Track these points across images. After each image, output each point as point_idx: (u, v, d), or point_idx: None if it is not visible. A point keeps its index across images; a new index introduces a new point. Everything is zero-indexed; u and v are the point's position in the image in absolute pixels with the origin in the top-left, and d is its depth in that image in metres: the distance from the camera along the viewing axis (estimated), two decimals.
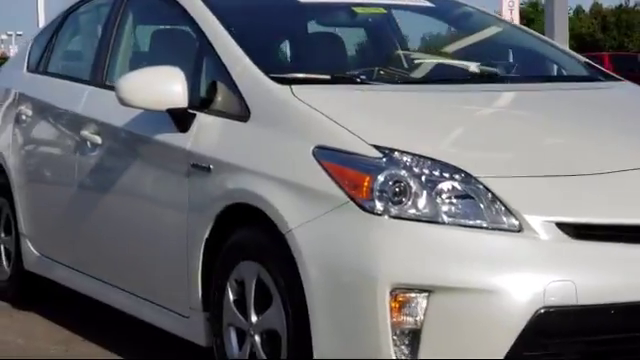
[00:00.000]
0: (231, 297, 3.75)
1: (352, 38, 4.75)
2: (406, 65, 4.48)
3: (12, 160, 5.70)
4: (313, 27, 4.76)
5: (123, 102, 4.09)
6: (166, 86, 3.99)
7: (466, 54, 4.58)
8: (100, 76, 4.97)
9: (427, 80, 4.22)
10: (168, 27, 4.99)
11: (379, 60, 4.64)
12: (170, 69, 4.05)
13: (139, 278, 4.40)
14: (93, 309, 5.13)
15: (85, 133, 4.81)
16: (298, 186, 3.43)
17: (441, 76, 4.27)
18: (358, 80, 3.96)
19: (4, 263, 5.98)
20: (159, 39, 4.91)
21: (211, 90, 4.04)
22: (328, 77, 3.94)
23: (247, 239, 3.66)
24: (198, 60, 4.19)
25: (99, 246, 4.73)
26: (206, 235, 3.83)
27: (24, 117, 5.66)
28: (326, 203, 3.31)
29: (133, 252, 4.40)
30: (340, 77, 3.99)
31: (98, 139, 4.71)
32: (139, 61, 4.83)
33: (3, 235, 6.00)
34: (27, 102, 5.67)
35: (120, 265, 4.55)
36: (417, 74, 4.31)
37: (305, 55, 4.65)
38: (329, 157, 3.38)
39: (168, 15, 4.73)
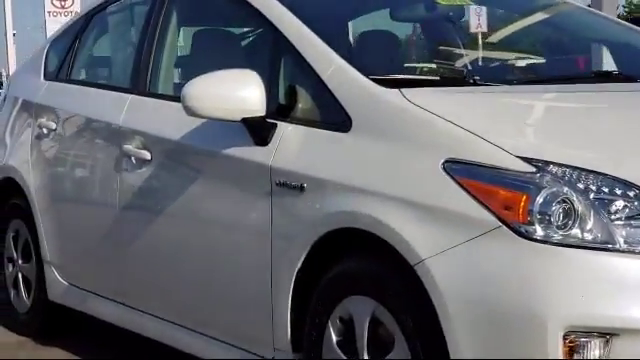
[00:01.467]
0: (334, 338, 3.20)
1: (434, 33, 4.20)
2: (512, 62, 3.93)
3: (33, 179, 5.10)
4: (391, 22, 4.21)
5: (191, 112, 3.53)
6: (242, 92, 3.44)
7: (564, 50, 4.06)
8: (142, 83, 4.39)
9: (544, 79, 3.68)
10: (225, 27, 4.42)
11: (475, 57, 4.10)
12: (245, 73, 3.49)
13: (207, 314, 3.83)
14: (125, 341, 4.53)
15: (129, 147, 4.24)
16: (426, 207, 2.88)
17: (563, 74, 3.73)
18: (471, 81, 3.42)
19: (22, 293, 5.38)
20: (215, 40, 4.34)
21: (293, 96, 3.50)
22: (437, 78, 3.40)
23: (358, 270, 3.11)
24: (274, 63, 3.63)
25: (153, 277, 4.15)
26: (298, 265, 3.28)
27: (45, 130, 5.07)
28: (468, 228, 2.77)
29: (199, 285, 3.83)
30: (450, 77, 3.45)
31: (146, 154, 4.13)
32: (192, 66, 4.27)
33: (21, 262, 5.39)
34: (49, 114, 5.08)
35: (182, 299, 3.98)
36: (530, 73, 3.77)
37: (399, 53, 4.09)
38: (466, 173, 2.84)
39: (226, 13, 4.19)
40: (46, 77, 5.38)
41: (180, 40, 4.45)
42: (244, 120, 3.47)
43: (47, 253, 5.02)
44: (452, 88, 3.34)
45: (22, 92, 5.59)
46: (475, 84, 3.41)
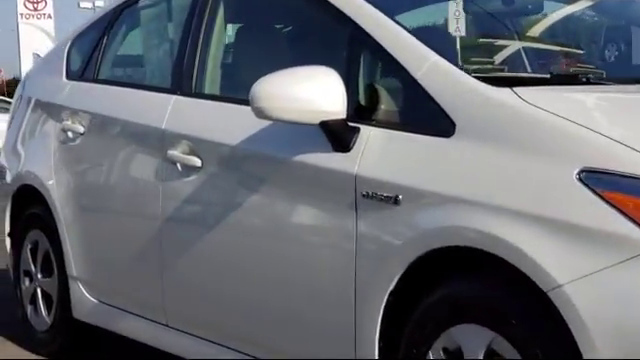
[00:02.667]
0: None
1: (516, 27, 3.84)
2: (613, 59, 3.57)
3: (57, 187, 4.69)
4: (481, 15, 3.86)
5: (261, 114, 3.14)
6: (320, 92, 3.06)
7: None
8: (187, 83, 3.98)
9: None
10: (285, 22, 4.02)
11: (574, 54, 3.73)
12: (323, 70, 3.11)
13: (275, 341, 3.43)
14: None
15: (174, 153, 3.84)
16: (557, 223, 2.51)
17: None
18: (584, 80, 3.05)
19: (42, 311, 4.96)
20: (274, 36, 3.95)
21: (376, 97, 3.13)
22: (547, 76, 3.02)
23: (468, 294, 2.73)
24: (351, 60, 3.25)
25: (207, 298, 3.75)
26: (391, 288, 2.90)
27: (71, 134, 4.66)
28: (615, 248, 2.40)
29: (265, 309, 3.43)
30: (562, 76, 3.07)
31: (196, 161, 3.73)
32: (248, 64, 3.87)
33: (40, 276, 4.98)
34: (74, 116, 4.67)
35: (243, 323, 3.57)
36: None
37: (495, 48, 3.71)
38: (610, 185, 2.47)
39: (287, 6, 3.80)
40: (69, 77, 4.96)
41: (230, 36, 4.05)
42: (322, 123, 3.09)
43: (73, 267, 4.61)
44: (567, 87, 2.97)
45: (40, 93, 5.18)
46: (589, 83, 3.03)
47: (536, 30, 3.99)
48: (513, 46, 3.88)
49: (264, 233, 3.40)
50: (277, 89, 3.09)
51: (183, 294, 3.89)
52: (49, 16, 55.21)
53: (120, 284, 4.34)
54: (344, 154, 3.09)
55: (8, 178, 5.26)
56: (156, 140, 4.00)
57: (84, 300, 4.58)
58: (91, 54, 4.82)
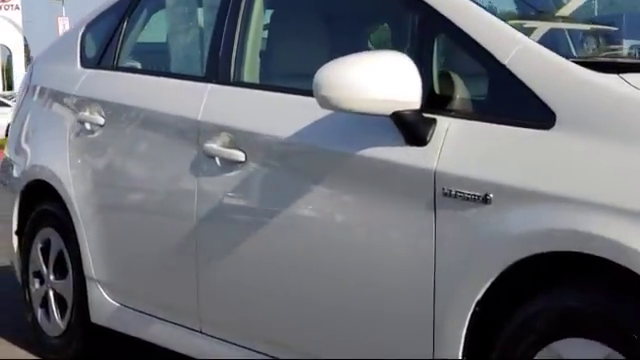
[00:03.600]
0: None
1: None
2: None
3: (73, 182, 4.38)
4: None
5: (327, 104, 2.84)
6: (393, 80, 2.77)
7: None
8: (225, 70, 3.67)
9: None
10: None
11: None
12: (395, 56, 2.82)
13: (334, 352, 3.13)
14: None
15: (212, 147, 3.53)
16: None
17: None
18: None
19: (54, 315, 4.64)
20: (330, 18, 3.64)
21: (453, 85, 2.84)
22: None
23: (577, 305, 2.44)
24: (422, 44, 2.95)
25: (251, 303, 3.45)
26: (478, 297, 2.61)
27: (89, 126, 4.33)
28: None
29: (323, 316, 3.14)
30: None
31: (238, 155, 3.43)
32: (303, 50, 3.57)
33: (53, 278, 4.65)
34: (93, 106, 4.34)
35: (292, 330, 3.28)
36: None
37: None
38: None
39: None
40: (84, 64, 4.63)
41: (273, 17, 3.74)
42: (395, 114, 2.79)
43: (92, 268, 4.30)
44: None
45: (51, 82, 4.85)
46: None
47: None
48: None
49: (324, 234, 3.10)
50: (345, 77, 2.79)
51: (223, 299, 3.59)
52: (17, 7, 54.50)
53: (146, 287, 4.03)
54: (419, 148, 2.80)
55: (15, 172, 4.93)
56: (190, 132, 3.69)
57: (104, 303, 4.28)
58: (109, 40, 4.50)
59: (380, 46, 2.92)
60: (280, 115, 3.32)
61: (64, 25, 43.46)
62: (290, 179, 3.28)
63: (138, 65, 4.44)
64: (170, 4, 4.36)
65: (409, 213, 2.81)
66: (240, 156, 3.42)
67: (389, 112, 2.79)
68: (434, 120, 2.80)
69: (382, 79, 2.77)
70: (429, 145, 2.78)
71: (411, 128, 2.80)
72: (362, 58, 2.85)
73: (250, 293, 3.43)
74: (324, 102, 2.84)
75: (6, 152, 5.16)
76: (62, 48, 4.96)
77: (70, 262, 4.50)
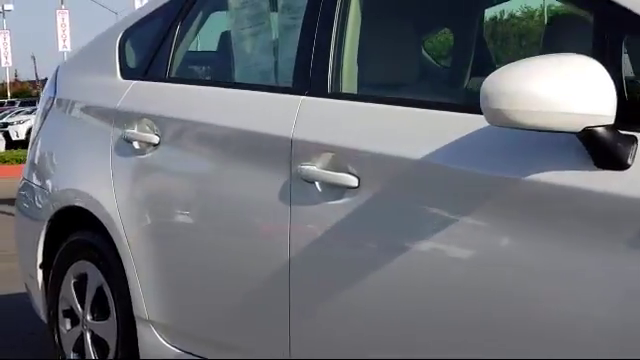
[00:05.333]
0: None
1: None
2: None
3: (120, 210, 3.82)
4: None
5: (500, 118, 2.34)
6: (583, 90, 2.28)
7: None
8: (320, 81, 3.16)
9: None
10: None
11: None
12: (582, 61, 2.33)
13: None
14: None
15: (312, 169, 3.02)
16: None
17: None
18: None
19: None
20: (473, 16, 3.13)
21: None
22: None
23: None
24: (603, 47, 2.46)
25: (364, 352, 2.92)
26: None
27: (139, 145, 3.79)
28: None
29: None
30: None
31: (349, 179, 2.91)
32: (417, 56, 3.07)
33: (90, 318, 4.09)
34: (143, 123, 3.80)
35: None
36: None
37: None
38: None
39: None
40: (125, 75, 4.08)
41: (376, 19, 3.23)
42: (586, 131, 2.30)
43: (144, 308, 3.75)
44: None
45: (83, 95, 4.29)
46: None
47: None
48: None
49: (476, 274, 2.59)
50: (524, 86, 2.29)
51: (323, 348, 3.06)
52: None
53: (219, 331, 3.49)
54: (618, 172, 2.31)
55: (41, 198, 4.36)
56: (280, 152, 3.17)
57: (159, 348, 3.73)
58: (158, 47, 3.95)
59: (549, 50, 2.42)
60: (405, 132, 2.81)
61: (63, 19, 42.54)
62: (425, 209, 2.75)
63: (197, 75, 3.89)
64: (233, 5, 3.81)
65: (604, 253, 2.32)
66: (352, 181, 2.91)
67: (579, 128, 2.30)
68: (634, 138, 2.31)
69: (572, 89, 2.28)
70: (632, 169, 2.29)
71: (606, 147, 2.32)
72: (544, 63, 2.35)
73: (361, 348, 2.90)
74: (495, 116, 2.34)
75: (25, 175, 4.58)
76: (94, 57, 4.40)
77: (113, 300, 3.95)
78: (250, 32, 3.65)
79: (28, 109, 34.30)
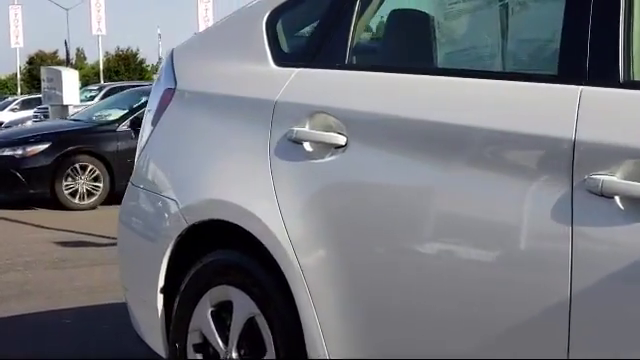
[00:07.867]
0: None
1: None
2: None
3: (287, 224, 3.11)
4: None
5: None
6: None
7: None
8: (608, 67, 2.48)
9: None
10: None
11: None
12: None
13: None
14: None
15: (612, 180, 2.34)
16: None
17: None
18: None
19: None
20: None
21: None
22: None
23: None
24: None
25: None
26: None
27: (311, 147, 3.09)
28: None
29: None
30: None
31: None
32: None
33: (236, 356, 3.39)
34: (319, 119, 3.09)
35: None
36: None
37: None
38: None
39: None
40: (280, 62, 3.37)
41: None
42: None
43: (324, 348, 3.04)
44: None
45: (220, 86, 3.58)
46: None
47: None
48: None
49: None
50: None
51: None
52: None
53: None
54: None
55: (165, 210, 3.64)
56: (553, 157, 2.49)
57: None
58: (331, 26, 3.24)
59: None
60: None
61: (16, 14, 41.41)
62: None
63: (396, 61, 3.18)
64: None
65: None
66: None
67: None
68: None
69: None
70: None
71: None
72: None
73: None
74: None
75: (136, 181, 3.85)
76: (227, 42, 3.67)
77: (272, 335, 3.23)
78: (473, 5, 2.94)
79: None
